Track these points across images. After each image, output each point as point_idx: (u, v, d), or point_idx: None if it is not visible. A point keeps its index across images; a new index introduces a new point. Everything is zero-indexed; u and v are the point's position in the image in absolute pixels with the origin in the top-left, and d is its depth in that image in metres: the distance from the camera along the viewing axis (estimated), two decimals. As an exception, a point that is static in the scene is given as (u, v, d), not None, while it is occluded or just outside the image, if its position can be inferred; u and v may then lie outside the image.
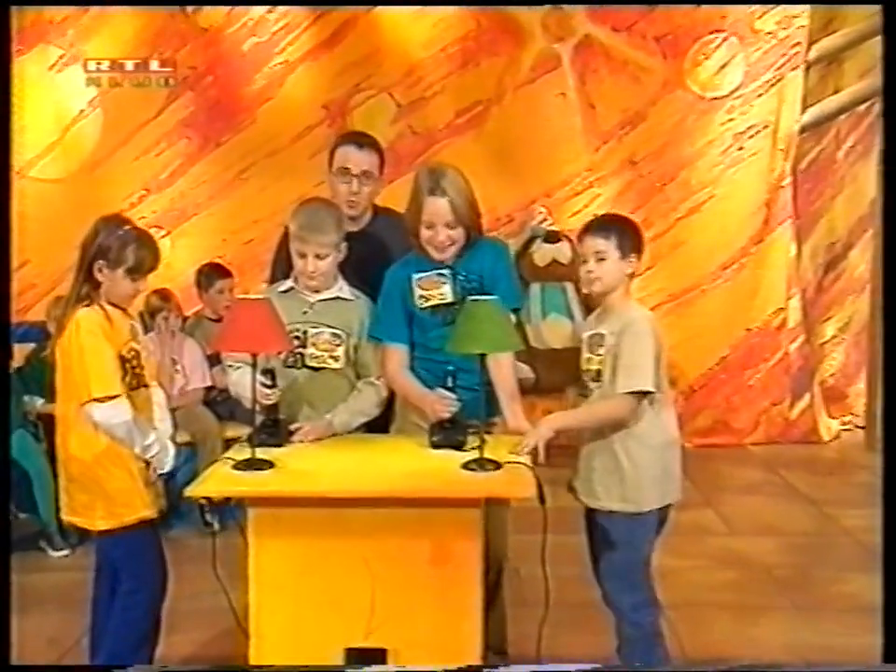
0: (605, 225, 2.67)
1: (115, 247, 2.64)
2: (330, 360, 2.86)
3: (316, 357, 2.85)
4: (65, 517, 2.80)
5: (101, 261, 2.65)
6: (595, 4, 5.82)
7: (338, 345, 2.86)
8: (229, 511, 4.12)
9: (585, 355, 2.65)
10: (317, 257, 2.82)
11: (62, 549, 4.21)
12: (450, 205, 2.76)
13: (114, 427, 2.62)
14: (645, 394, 2.55)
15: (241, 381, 2.82)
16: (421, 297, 2.83)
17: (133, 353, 2.71)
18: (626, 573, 2.61)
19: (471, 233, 2.82)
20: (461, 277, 2.83)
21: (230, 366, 2.92)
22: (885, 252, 2.93)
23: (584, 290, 2.69)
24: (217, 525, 4.41)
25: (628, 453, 2.59)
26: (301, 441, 2.73)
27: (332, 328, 2.86)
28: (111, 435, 2.64)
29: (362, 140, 3.20)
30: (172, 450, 2.78)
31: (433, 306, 2.84)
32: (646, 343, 2.56)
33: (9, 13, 2.98)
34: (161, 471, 2.74)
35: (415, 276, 2.84)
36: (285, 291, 2.90)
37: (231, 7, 5.75)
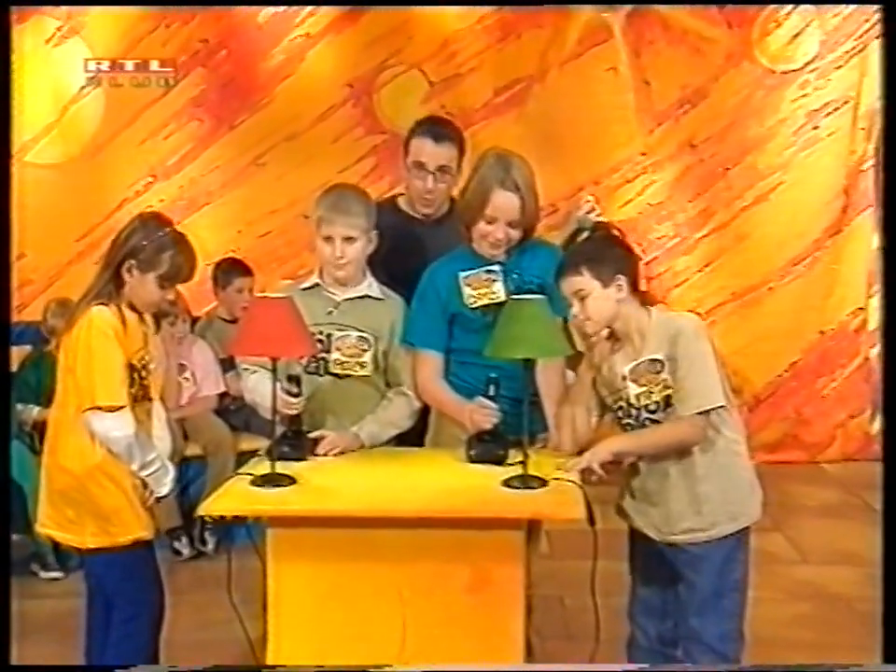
0: (572, 260, 2.61)
1: (150, 250, 2.68)
2: (357, 367, 2.88)
3: (341, 363, 2.87)
4: (45, 531, 2.83)
5: (132, 261, 2.69)
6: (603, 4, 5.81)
7: (365, 350, 2.87)
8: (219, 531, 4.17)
9: (636, 389, 2.58)
10: (346, 240, 2.84)
11: (54, 571, 4.26)
12: (520, 203, 2.78)
13: (113, 440, 2.66)
14: (711, 410, 2.54)
15: (258, 387, 2.85)
16: (470, 296, 2.86)
17: (143, 362, 2.76)
18: (718, 601, 2.60)
19: (528, 233, 2.84)
20: (515, 275, 2.84)
21: (245, 369, 2.95)
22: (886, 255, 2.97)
23: (581, 338, 2.64)
24: (211, 547, 4.47)
25: (718, 468, 2.59)
26: (326, 454, 2.76)
27: (360, 330, 2.88)
28: (108, 448, 2.67)
29: (440, 131, 3.21)
30: (172, 471, 2.81)
31: (483, 306, 2.85)
32: (703, 350, 2.54)
33: (9, 14, 3.05)
34: (159, 494, 2.77)
35: (462, 274, 2.86)
36: (308, 288, 2.93)
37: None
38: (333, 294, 2.91)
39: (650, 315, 2.60)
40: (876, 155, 5.92)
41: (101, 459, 2.68)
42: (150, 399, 2.81)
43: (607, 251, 2.61)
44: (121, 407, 2.65)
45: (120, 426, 2.65)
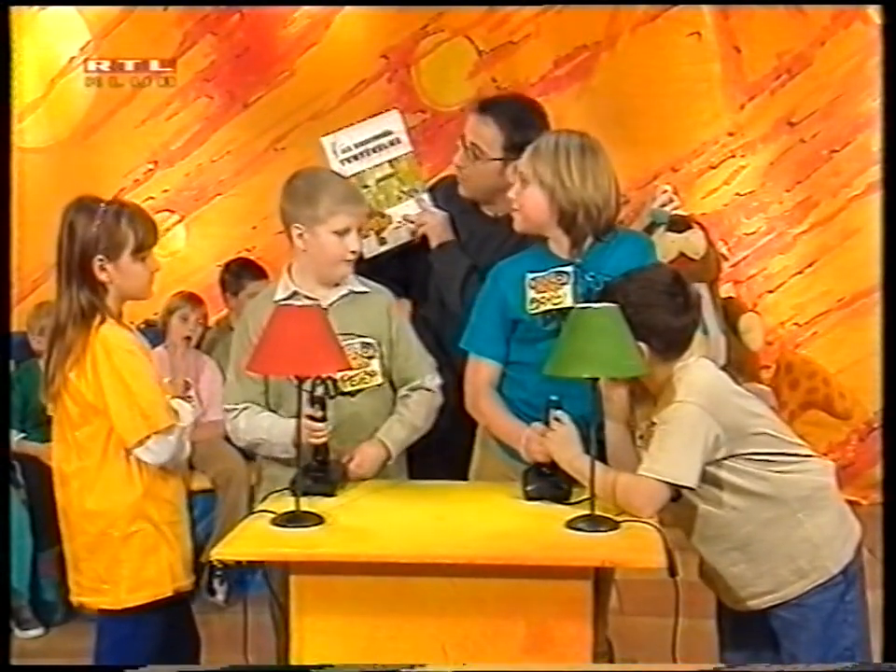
0: None
1: (106, 232, 2.73)
2: (367, 377, 2.93)
3: (350, 378, 2.91)
4: (77, 598, 2.89)
5: (98, 257, 2.74)
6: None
7: (372, 357, 2.93)
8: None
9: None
10: (360, 231, 2.95)
11: (33, 628, 4.28)
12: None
13: (177, 460, 2.81)
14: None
15: (252, 426, 2.93)
16: (533, 300, 2.89)
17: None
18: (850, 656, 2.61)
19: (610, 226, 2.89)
20: (588, 277, 2.87)
21: (227, 410, 3.01)
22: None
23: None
24: (221, 597, 4.52)
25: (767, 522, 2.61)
26: (359, 477, 2.80)
27: (361, 336, 2.93)
28: (167, 469, 2.79)
29: (489, 104, 3.30)
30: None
31: (545, 312, 2.89)
32: (684, 428, 2.54)
33: (9, 15, 3.16)
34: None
35: (530, 276, 2.90)
36: (286, 299, 2.93)
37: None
38: (317, 301, 2.89)
39: (669, 376, 2.63)
40: None
41: (142, 493, 2.77)
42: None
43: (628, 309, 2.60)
44: (174, 425, 2.76)
45: (179, 443, 2.77)
